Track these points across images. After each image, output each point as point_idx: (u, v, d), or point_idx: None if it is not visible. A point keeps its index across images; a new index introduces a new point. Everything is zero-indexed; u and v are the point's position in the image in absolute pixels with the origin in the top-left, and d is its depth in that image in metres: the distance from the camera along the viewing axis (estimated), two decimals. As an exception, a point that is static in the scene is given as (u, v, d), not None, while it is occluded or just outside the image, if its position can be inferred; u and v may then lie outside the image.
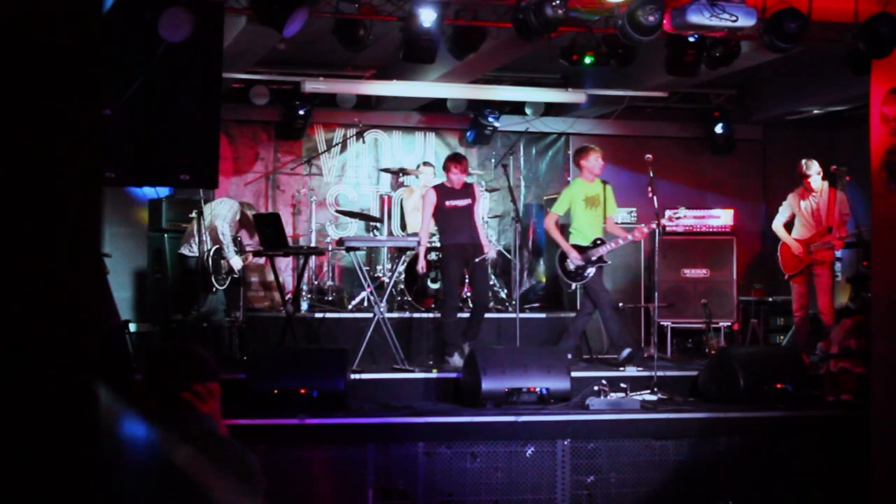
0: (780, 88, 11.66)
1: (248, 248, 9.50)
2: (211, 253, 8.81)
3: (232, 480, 2.95)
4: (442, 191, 9.11)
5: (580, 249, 9.12)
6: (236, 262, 8.99)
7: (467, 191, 9.14)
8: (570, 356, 8.81)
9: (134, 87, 6.16)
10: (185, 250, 9.05)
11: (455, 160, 9.17)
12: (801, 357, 8.91)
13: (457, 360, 8.83)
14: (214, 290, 8.90)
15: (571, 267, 9.16)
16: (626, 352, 9.05)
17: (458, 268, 9.09)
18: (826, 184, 9.57)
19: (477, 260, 9.01)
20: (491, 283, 10.64)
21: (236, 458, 3.06)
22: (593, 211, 9.20)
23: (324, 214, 11.41)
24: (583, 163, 9.27)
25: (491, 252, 9.68)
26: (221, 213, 8.98)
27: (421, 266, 9.16)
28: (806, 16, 7.52)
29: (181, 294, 9.31)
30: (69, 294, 1.12)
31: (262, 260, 10.47)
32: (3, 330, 1.08)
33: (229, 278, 9.05)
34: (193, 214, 8.89)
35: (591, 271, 9.11)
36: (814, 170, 9.50)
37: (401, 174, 11.11)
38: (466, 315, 9.26)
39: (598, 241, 9.15)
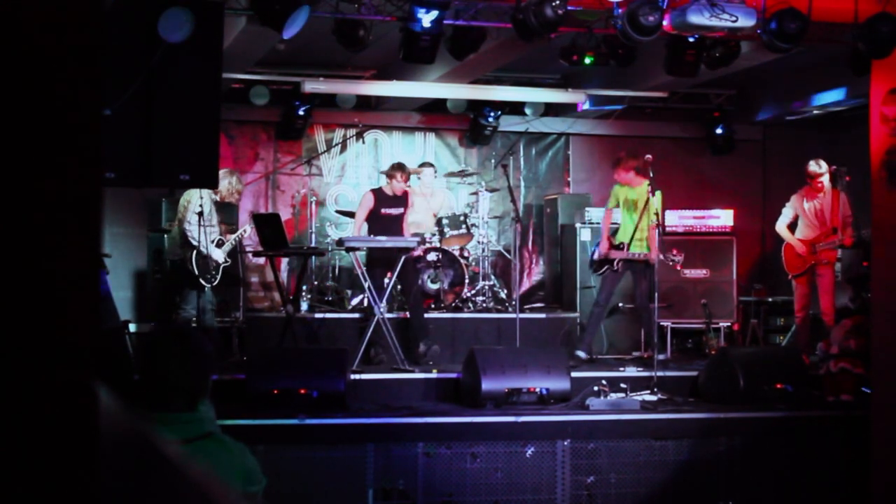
0: (780, 89, 11.66)
1: (248, 245, 9.43)
2: (193, 256, 8.71)
3: (231, 481, 2.95)
4: (379, 196, 9.29)
5: (613, 247, 9.30)
6: (219, 255, 8.89)
7: (403, 199, 9.42)
8: (584, 355, 9.15)
9: (134, 87, 6.15)
10: (173, 257, 8.96)
11: (401, 169, 9.43)
12: (801, 357, 8.91)
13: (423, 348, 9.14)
14: (204, 290, 8.81)
15: (595, 257, 9.40)
16: (577, 353, 9.23)
17: (381, 275, 9.19)
18: (830, 184, 9.58)
19: (411, 265, 9.32)
20: (491, 283, 10.65)
21: (236, 458, 3.05)
22: (629, 214, 9.30)
23: (324, 214, 11.41)
24: (614, 173, 9.48)
25: (429, 255, 9.79)
26: (182, 212, 8.73)
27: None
28: (806, 16, 7.52)
29: (167, 294, 9.21)
30: (69, 294, 1.12)
31: (262, 260, 10.46)
32: (3, 330, 1.08)
33: (220, 272, 8.94)
34: (179, 216, 8.83)
35: (604, 269, 9.30)
36: (825, 168, 9.51)
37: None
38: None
39: (619, 246, 9.23)
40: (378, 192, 9.40)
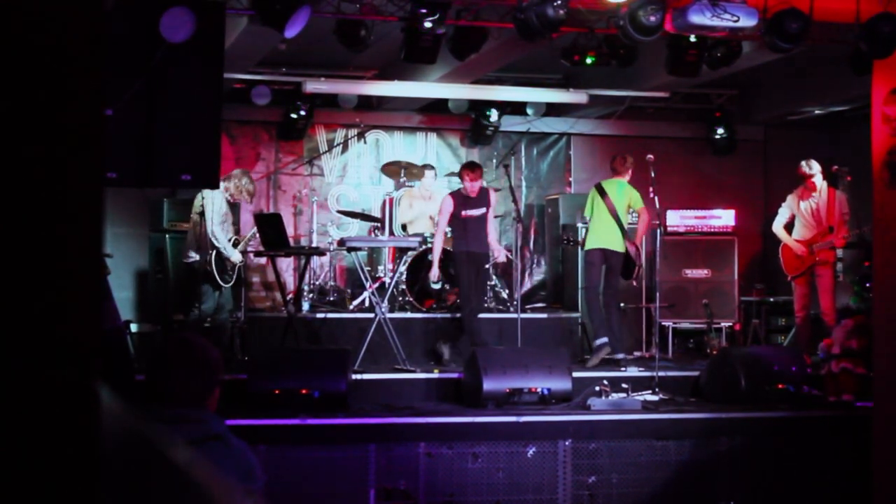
0: (782, 89, 11.66)
1: (248, 244, 9.39)
2: (213, 257, 8.72)
3: (233, 481, 2.94)
4: (458, 199, 9.13)
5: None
6: (237, 257, 8.89)
7: (483, 199, 9.18)
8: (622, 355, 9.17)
9: (135, 87, 6.16)
10: (186, 259, 8.96)
11: (469, 168, 9.22)
12: (803, 357, 8.90)
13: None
14: (222, 290, 8.83)
15: None
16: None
17: (471, 274, 9.14)
18: (825, 184, 9.59)
19: (487, 266, 9.30)
20: (492, 283, 10.64)
21: (238, 458, 3.05)
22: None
23: (325, 215, 11.41)
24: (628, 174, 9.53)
25: (501, 256, 9.71)
26: (210, 214, 8.68)
27: (435, 275, 9.20)
28: (807, 16, 7.51)
29: (184, 294, 9.23)
30: (70, 294, 1.12)
31: (263, 260, 10.46)
32: (4, 330, 1.08)
33: (235, 273, 8.95)
34: (194, 216, 8.82)
35: None
36: (815, 169, 9.54)
37: (402, 174, 11.09)
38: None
39: None
40: (456, 195, 9.20)
